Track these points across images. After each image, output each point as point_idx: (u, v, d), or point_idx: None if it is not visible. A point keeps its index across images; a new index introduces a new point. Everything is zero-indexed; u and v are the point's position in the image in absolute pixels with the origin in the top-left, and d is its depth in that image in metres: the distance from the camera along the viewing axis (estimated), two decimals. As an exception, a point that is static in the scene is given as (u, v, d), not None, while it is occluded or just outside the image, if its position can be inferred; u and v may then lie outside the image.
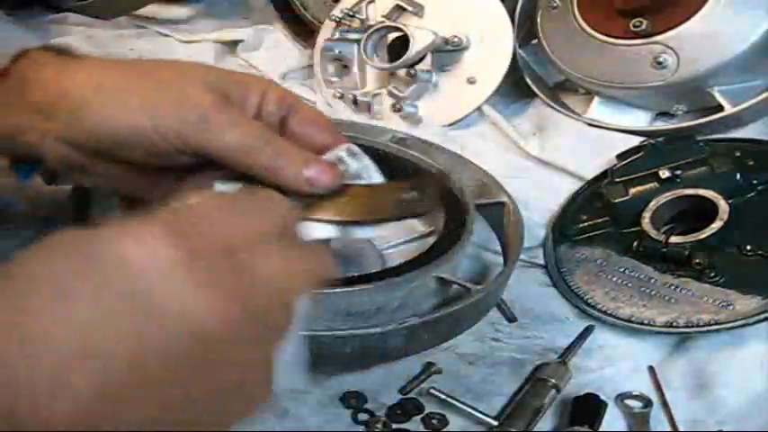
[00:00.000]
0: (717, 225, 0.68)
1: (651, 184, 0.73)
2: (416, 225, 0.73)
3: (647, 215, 0.71)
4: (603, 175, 0.78)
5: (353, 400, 0.58)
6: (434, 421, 0.57)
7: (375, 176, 0.52)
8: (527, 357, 0.62)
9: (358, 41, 0.94)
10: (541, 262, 0.73)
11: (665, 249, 0.68)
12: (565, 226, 0.75)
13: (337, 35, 0.97)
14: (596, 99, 0.90)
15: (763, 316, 0.61)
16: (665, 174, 0.73)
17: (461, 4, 0.92)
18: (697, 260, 0.66)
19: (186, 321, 0.32)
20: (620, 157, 0.77)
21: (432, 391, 0.58)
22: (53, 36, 1.09)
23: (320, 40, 0.99)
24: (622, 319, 0.65)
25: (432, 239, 0.67)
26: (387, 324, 0.55)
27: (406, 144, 0.77)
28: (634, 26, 0.83)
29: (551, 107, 0.92)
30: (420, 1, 0.93)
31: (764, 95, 0.80)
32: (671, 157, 0.74)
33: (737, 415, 0.57)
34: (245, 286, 0.34)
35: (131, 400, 0.30)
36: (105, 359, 0.30)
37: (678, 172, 0.73)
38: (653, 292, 0.66)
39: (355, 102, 0.94)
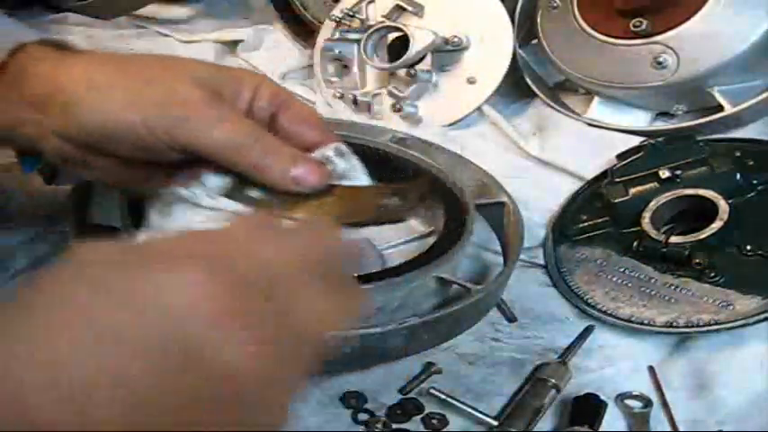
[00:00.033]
0: (717, 225, 0.68)
1: (651, 184, 0.73)
2: (416, 225, 0.74)
3: (647, 215, 0.71)
4: (603, 175, 0.78)
5: (353, 400, 0.58)
6: (434, 421, 0.57)
7: (362, 177, 0.51)
8: (527, 357, 0.62)
9: (358, 41, 0.94)
10: (541, 262, 0.73)
11: (665, 249, 0.68)
12: (565, 226, 0.75)
13: (337, 35, 0.97)
14: (596, 99, 0.90)
15: (763, 316, 0.61)
16: (665, 174, 0.73)
17: (461, 4, 0.92)
18: (697, 260, 0.66)
19: (223, 367, 0.32)
20: (620, 157, 0.77)
21: (432, 391, 0.58)
22: (53, 36, 1.09)
23: (320, 40, 0.99)
24: (622, 319, 0.65)
25: (432, 239, 0.67)
26: (387, 324, 0.55)
27: (406, 144, 0.77)
28: (634, 26, 0.83)
29: (551, 107, 0.92)
30: (420, 1, 0.93)
31: (764, 95, 0.80)
32: (671, 157, 0.74)
33: (737, 415, 0.57)
34: (282, 331, 0.34)
35: None
36: (136, 397, 0.30)
37: (678, 172, 0.73)
38: (653, 292, 0.66)
39: (355, 102, 0.94)
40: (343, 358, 0.55)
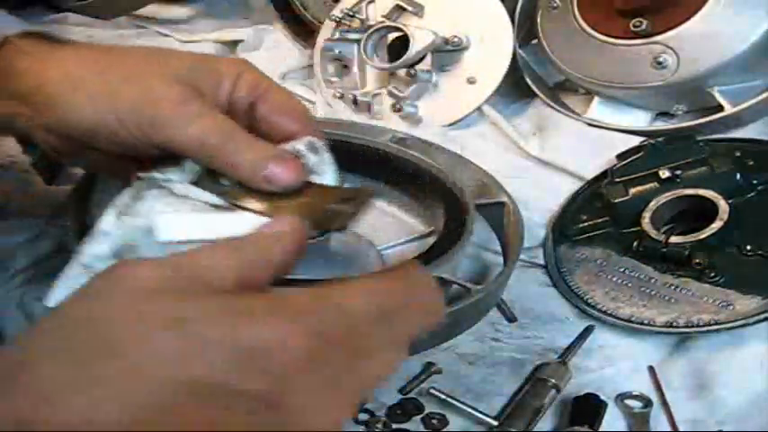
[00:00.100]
0: (717, 225, 0.68)
1: (651, 184, 0.73)
2: (416, 225, 0.74)
3: (647, 215, 0.71)
4: (603, 175, 0.78)
5: (353, 400, 0.58)
6: (434, 421, 0.57)
7: (328, 174, 0.50)
8: (527, 357, 0.62)
9: (358, 41, 0.94)
10: (541, 262, 0.73)
11: (665, 249, 0.68)
12: (565, 226, 0.75)
13: (337, 35, 0.97)
14: (596, 99, 0.90)
15: (763, 316, 0.61)
16: (665, 174, 0.73)
17: (461, 4, 0.92)
18: (697, 260, 0.66)
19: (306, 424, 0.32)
20: (620, 157, 0.77)
21: (432, 391, 0.58)
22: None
23: (320, 40, 0.99)
24: (622, 319, 0.65)
25: (432, 239, 0.67)
26: (387, 324, 0.55)
27: (406, 144, 0.77)
28: (634, 26, 0.83)
29: (551, 107, 0.92)
30: (420, 1, 0.93)
31: (764, 95, 0.80)
32: (671, 157, 0.74)
33: (737, 415, 0.57)
34: (354, 387, 0.34)
35: None
36: None
37: (678, 172, 0.73)
38: (653, 292, 0.66)
39: (355, 102, 0.94)
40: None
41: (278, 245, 0.38)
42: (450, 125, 0.91)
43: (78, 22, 1.14)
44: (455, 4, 0.92)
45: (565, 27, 0.90)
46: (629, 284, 0.67)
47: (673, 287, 0.66)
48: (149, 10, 1.17)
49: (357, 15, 0.96)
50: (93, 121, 0.49)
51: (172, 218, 0.46)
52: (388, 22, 0.93)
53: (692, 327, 0.62)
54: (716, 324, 0.62)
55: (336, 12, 0.98)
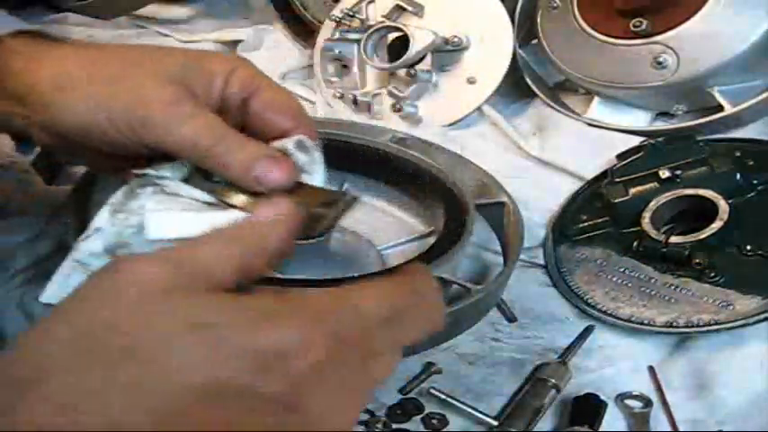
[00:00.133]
0: (717, 225, 0.68)
1: (651, 184, 0.73)
2: (416, 225, 0.74)
3: (647, 215, 0.71)
4: (603, 175, 0.78)
5: (353, 400, 0.58)
6: (434, 421, 0.57)
7: (317, 173, 0.49)
8: (527, 357, 0.62)
9: (358, 41, 0.94)
10: (541, 262, 0.73)
11: (665, 249, 0.68)
12: (565, 226, 0.75)
13: (337, 35, 0.97)
14: (596, 99, 0.90)
15: (763, 316, 0.61)
16: (665, 174, 0.73)
17: (461, 4, 0.92)
18: (697, 260, 0.66)
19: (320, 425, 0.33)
20: (620, 157, 0.77)
21: (432, 391, 0.58)
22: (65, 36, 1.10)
23: (320, 40, 0.99)
24: (622, 319, 0.65)
25: (432, 239, 0.67)
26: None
27: (406, 144, 0.77)
28: (634, 26, 0.83)
29: (551, 107, 0.92)
30: (420, 1, 0.93)
31: (764, 95, 0.80)
32: (671, 157, 0.74)
33: (737, 415, 0.57)
34: (365, 387, 0.35)
35: None
36: None
37: (678, 172, 0.73)
38: (653, 292, 0.66)
39: (355, 102, 0.94)
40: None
41: (273, 232, 0.38)
42: (451, 125, 0.91)
43: (78, 22, 1.14)
44: (455, 4, 0.92)
45: (565, 27, 0.90)
46: (629, 284, 0.67)
47: (673, 287, 0.66)
48: (149, 10, 1.17)
49: (357, 15, 0.96)
50: (84, 122, 0.49)
51: (162, 216, 0.46)
52: (388, 22, 0.93)
53: (692, 327, 0.62)
54: (716, 324, 0.62)
55: (336, 12, 0.98)
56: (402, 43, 0.91)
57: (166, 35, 1.14)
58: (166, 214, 0.46)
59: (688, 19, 0.81)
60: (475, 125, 0.92)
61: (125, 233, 0.46)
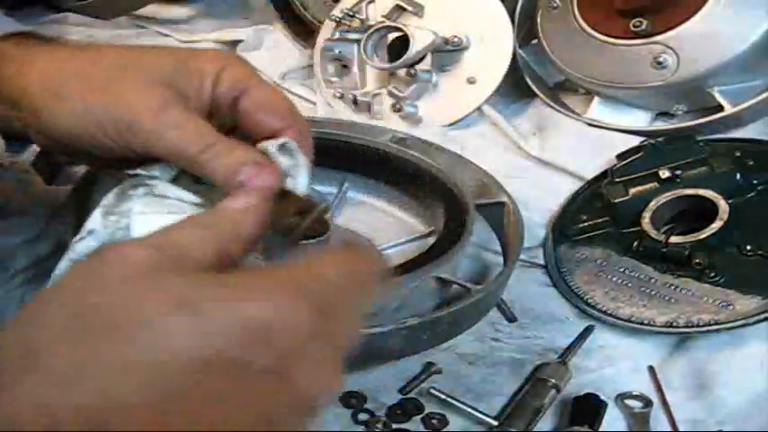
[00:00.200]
0: (717, 225, 0.68)
1: (651, 184, 0.73)
2: (416, 225, 0.74)
3: (647, 215, 0.71)
4: (603, 175, 0.78)
5: (353, 400, 0.58)
6: (434, 421, 0.57)
7: (300, 177, 0.48)
8: (527, 357, 0.62)
9: (358, 41, 0.94)
10: (541, 262, 0.73)
11: (665, 249, 0.68)
12: (565, 226, 0.75)
13: (337, 35, 0.97)
14: (596, 99, 0.90)
15: (763, 316, 0.61)
16: (665, 174, 0.73)
17: (461, 4, 0.92)
18: (697, 260, 0.66)
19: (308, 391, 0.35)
20: (620, 157, 0.77)
21: (432, 391, 0.58)
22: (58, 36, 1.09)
23: (320, 40, 0.99)
24: (622, 319, 0.65)
25: (432, 239, 0.67)
26: (387, 324, 0.55)
27: (406, 144, 0.77)
28: (634, 26, 0.83)
29: (551, 107, 0.92)
30: (420, 1, 0.93)
31: (764, 95, 0.80)
32: (671, 157, 0.74)
33: (737, 415, 0.57)
34: (343, 349, 0.37)
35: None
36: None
37: (678, 172, 0.73)
38: (653, 292, 0.66)
39: (355, 102, 0.94)
40: (343, 358, 0.55)
41: (246, 220, 0.40)
42: (451, 125, 0.91)
43: (78, 22, 1.14)
44: (455, 4, 0.92)
45: (565, 27, 0.90)
46: (629, 284, 0.67)
47: (673, 287, 0.66)
48: (149, 10, 1.17)
49: (357, 15, 0.96)
50: (74, 128, 0.50)
51: (149, 219, 0.46)
52: (388, 22, 0.93)
53: (692, 327, 0.62)
54: (716, 324, 0.62)
55: (336, 12, 0.98)
56: (402, 43, 0.91)
57: (166, 35, 1.14)
58: (153, 217, 0.46)
59: (688, 19, 0.81)
60: (475, 125, 0.92)
61: (117, 235, 0.46)
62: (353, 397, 0.58)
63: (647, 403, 0.58)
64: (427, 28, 0.90)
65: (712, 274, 0.65)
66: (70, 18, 1.14)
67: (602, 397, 0.58)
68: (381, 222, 0.75)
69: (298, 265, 0.37)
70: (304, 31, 1.09)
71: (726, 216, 0.68)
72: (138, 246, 0.35)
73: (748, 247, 0.65)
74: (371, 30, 0.93)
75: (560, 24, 0.91)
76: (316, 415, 0.36)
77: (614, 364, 0.62)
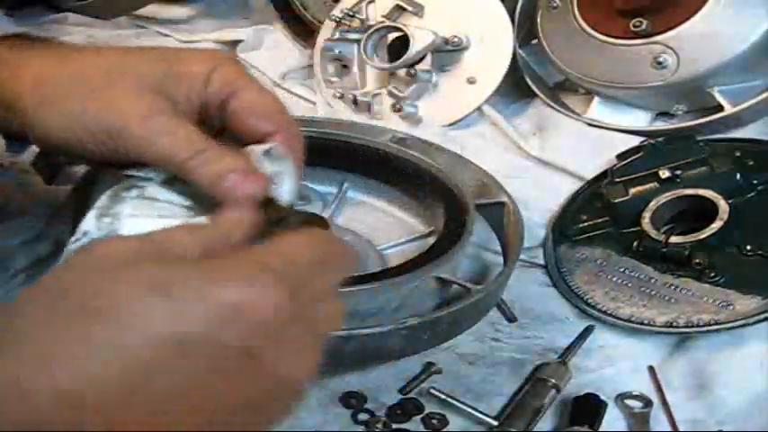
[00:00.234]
0: (717, 225, 0.68)
1: (651, 184, 0.73)
2: (416, 225, 0.74)
3: (647, 215, 0.71)
4: (603, 175, 0.78)
5: (353, 400, 0.58)
6: (434, 421, 0.57)
7: (285, 185, 0.48)
8: (527, 357, 0.62)
9: (358, 41, 0.94)
10: (541, 262, 0.73)
11: (665, 249, 0.68)
12: (565, 226, 0.75)
13: (337, 35, 0.97)
14: (596, 99, 0.90)
15: (763, 316, 0.61)
16: (665, 174, 0.73)
17: (461, 4, 0.92)
18: (697, 260, 0.66)
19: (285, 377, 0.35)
20: (620, 157, 0.77)
21: (432, 391, 0.58)
22: (53, 36, 1.09)
23: (320, 40, 0.99)
24: (622, 319, 0.65)
25: (432, 239, 0.67)
26: (387, 324, 0.55)
27: (406, 144, 0.77)
28: (634, 26, 0.83)
29: (551, 107, 0.92)
30: (420, 1, 0.93)
31: (764, 95, 0.80)
32: (671, 157, 0.74)
33: (737, 415, 0.57)
34: (320, 330, 0.38)
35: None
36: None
37: (678, 172, 0.73)
38: (653, 292, 0.66)
39: (355, 102, 0.94)
40: (343, 358, 0.55)
41: (237, 228, 0.41)
42: (451, 125, 0.91)
43: (78, 22, 1.14)
44: (455, 4, 0.92)
45: (565, 27, 0.90)
46: (629, 284, 0.67)
47: (673, 287, 0.66)
48: (149, 10, 1.17)
49: (357, 15, 0.96)
50: (64, 135, 0.50)
51: (138, 222, 0.46)
52: (388, 22, 0.93)
53: (692, 327, 0.62)
54: (716, 324, 0.62)
55: (336, 12, 0.98)
56: (402, 43, 0.91)
57: (166, 35, 1.13)
58: (143, 220, 0.47)
59: (688, 19, 0.81)
60: (475, 125, 0.92)
61: (110, 236, 0.46)
62: (353, 397, 0.58)
63: (647, 403, 0.58)
64: (427, 28, 0.90)
65: (712, 274, 0.65)
66: (70, 18, 1.14)
67: (602, 397, 0.58)
68: (381, 222, 0.75)
69: (269, 247, 0.38)
70: (304, 31, 1.09)
71: (726, 216, 0.68)
72: (123, 239, 0.37)
73: (748, 247, 0.65)
74: (371, 30, 0.93)
75: (560, 24, 0.91)
76: (300, 400, 0.37)
77: (614, 364, 0.62)
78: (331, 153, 0.76)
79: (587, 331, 0.65)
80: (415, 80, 0.91)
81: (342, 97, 0.96)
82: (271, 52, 1.08)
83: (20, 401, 0.31)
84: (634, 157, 0.76)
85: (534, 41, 0.96)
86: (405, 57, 0.90)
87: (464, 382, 0.60)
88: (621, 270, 0.69)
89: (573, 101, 0.94)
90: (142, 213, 0.47)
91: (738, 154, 0.75)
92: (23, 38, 0.55)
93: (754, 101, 0.80)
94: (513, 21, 0.93)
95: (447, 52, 0.91)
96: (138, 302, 0.33)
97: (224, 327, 0.33)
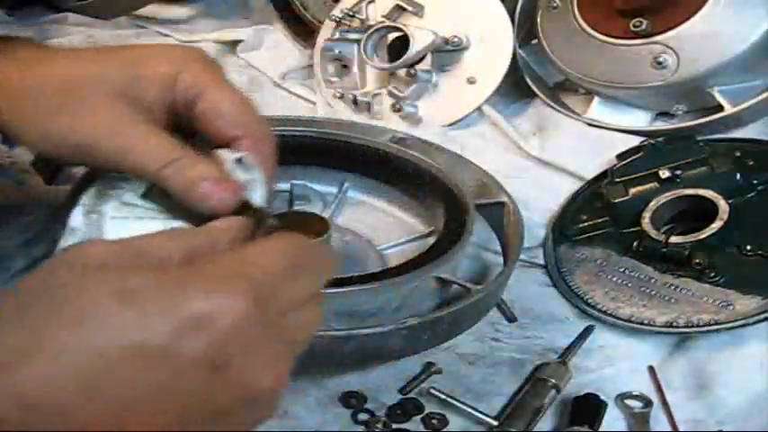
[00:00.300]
0: (717, 225, 0.68)
1: (651, 184, 0.73)
2: (416, 225, 0.74)
3: (647, 215, 0.71)
4: (603, 175, 0.78)
5: (353, 400, 0.58)
6: (434, 421, 0.57)
7: (257, 191, 0.47)
8: (527, 357, 0.62)
9: (358, 41, 0.94)
10: (541, 262, 0.73)
11: (665, 249, 0.68)
12: (565, 226, 0.75)
13: (337, 35, 0.97)
14: (596, 99, 0.90)
15: (763, 316, 0.61)
16: (665, 174, 0.73)
17: (461, 4, 0.92)
18: (697, 260, 0.66)
19: (250, 383, 0.35)
20: (620, 157, 0.77)
21: (432, 391, 0.58)
22: (53, 36, 1.09)
23: (320, 40, 0.99)
24: (622, 319, 0.65)
25: (432, 239, 0.67)
26: (387, 324, 0.55)
27: (406, 144, 0.77)
28: (634, 26, 0.83)
29: (551, 107, 0.92)
30: (420, 1, 0.93)
31: (764, 95, 0.80)
32: (671, 157, 0.74)
33: (737, 415, 0.57)
34: (289, 339, 0.37)
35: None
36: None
37: (678, 172, 0.73)
38: (653, 292, 0.66)
39: (355, 102, 0.94)
40: (343, 358, 0.55)
41: (225, 235, 0.41)
42: (451, 125, 0.91)
43: (78, 22, 1.14)
44: (455, 4, 0.92)
45: (565, 27, 0.90)
46: (629, 284, 0.67)
47: (673, 287, 0.66)
48: (149, 10, 1.17)
49: (357, 15, 0.96)
50: (39, 147, 0.51)
51: (119, 223, 0.47)
52: (388, 22, 0.93)
53: (692, 327, 0.62)
54: (716, 324, 0.62)
55: (336, 12, 0.98)
56: (402, 43, 0.91)
57: (166, 35, 1.13)
58: (123, 222, 0.47)
59: (688, 19, 0.81)
60: (475, 125, 0.92)
61: (96, 233, 0.46)
62: (353, 397, 0.58)
63: (647, 403, 0.58)
64: (427, 28, 0.90)
65: (712, 274, 0.65)
66: (70, 18, 1.14)
67: (602, 397, 0.58)
68: (381, 222, 0.75)
69: (240, 254, 0.38)
70: (304, 31, 1.09)
71: (726, 216, 0.68)
72: (103, 243, 0.37)
73: (748, 247, 0.65)
74: (371, 30, 0.93)
75: (560, 24, 0.91)
76: (271, 409, 0.36)
77: (614, 364, 0.62)
78: (331, 153, 0.76)
79: (587, 331, 0.65)
80: (415, 80, 0.91)
81: (342, 97, 0.96)
82: (271, 52, 1.08)
83: None
84: (634, 157, 0.76)
85: (534, 41, 0.96)
86: (405, 57, 0.90)
87: (464, 382, 0.60)
88: (621, 270, 0.69)
89: (573, 101, 0.94)
90: (123, 215, 0.47)
91: (738, 154, 0.75)
92: (7, 39, 0.53)
93: (754, 101, 0.80)
94: (513, 21, 0.93)
95: (447, 52, 0.91)
96: (103, 310, 0.33)
97: (187, 337, 0.33)
